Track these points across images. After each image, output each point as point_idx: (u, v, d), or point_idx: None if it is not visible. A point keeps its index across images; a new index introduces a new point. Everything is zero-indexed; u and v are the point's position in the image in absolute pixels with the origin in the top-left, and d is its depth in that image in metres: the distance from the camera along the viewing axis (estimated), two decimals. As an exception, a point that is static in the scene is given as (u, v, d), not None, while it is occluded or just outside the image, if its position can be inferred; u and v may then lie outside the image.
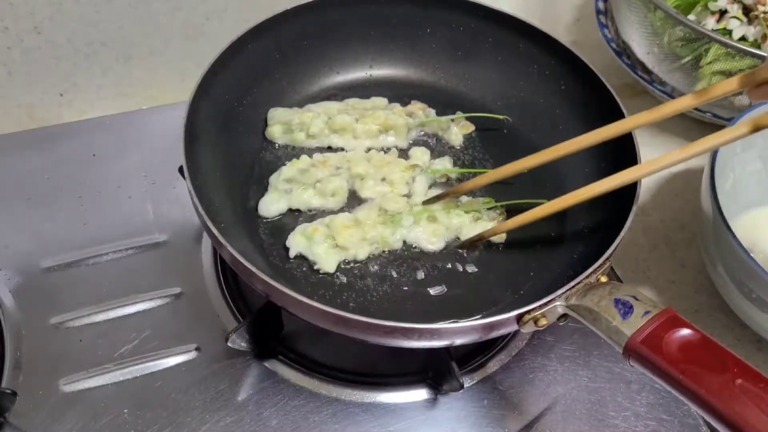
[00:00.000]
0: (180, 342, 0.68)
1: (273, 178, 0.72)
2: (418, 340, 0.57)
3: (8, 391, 0.62)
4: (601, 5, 0.98)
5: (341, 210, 0.71)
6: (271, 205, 0.70)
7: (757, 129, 0.58)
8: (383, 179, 0.73)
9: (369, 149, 0.76)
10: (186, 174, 0.62)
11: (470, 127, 0.79)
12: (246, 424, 0.64)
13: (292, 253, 0.66)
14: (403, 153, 0.76)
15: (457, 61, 0.82)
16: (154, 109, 0.89)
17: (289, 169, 0.72)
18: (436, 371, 0.67)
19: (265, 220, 0.70)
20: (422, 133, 0.78)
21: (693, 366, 0.49)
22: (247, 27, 0.73)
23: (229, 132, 0.72)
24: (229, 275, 0.73)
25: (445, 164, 0.75)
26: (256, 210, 0.70)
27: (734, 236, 0.64)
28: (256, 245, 0.67)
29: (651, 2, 0.82)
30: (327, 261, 0.65)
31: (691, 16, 0.88)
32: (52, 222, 0.77)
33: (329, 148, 0.76)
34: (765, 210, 0.79)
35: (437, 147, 0.78)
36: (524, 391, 0.68)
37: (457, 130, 0.78)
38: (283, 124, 0.75)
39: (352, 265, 0.67)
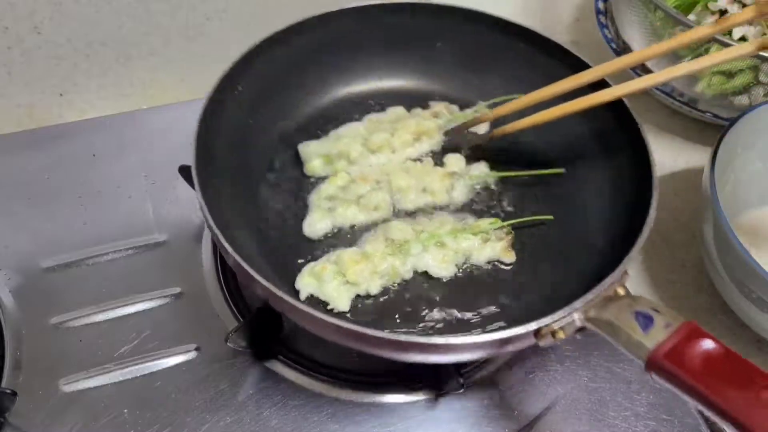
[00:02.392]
0: (180, 342, 0.68)
1: (314, 197, 0.71)
2: (430, 354, 0.56)
3: (8, 391, 0.62)
4: (601, 5, 0.98)
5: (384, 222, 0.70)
6: (316, 225, 0.69)
7: (763, 47, 0.60)
8: (424, 189, 0.72)
9: (406, 159, 0.75)
10: (196, 184, 0.61)
11: (492, 115, 0.78)
12: (246, 424, 0.64)
13: (302, 295, 0.64)
14: (436, 155, 0.76)
15: (468, 73, 0.81)
16: (154, 109, 0.89)
17: (329, 187, 0.71)
18: (436, 371, 0.67)
19: (265, 216, 0.70)
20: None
21: (717, 380, 0.48)
22: (258, 35, 0.72)
23: (240, 145, 0.71)
24: (229, 275, 0.73)
25: (481, 169, 0.75)
26: (260, 208, 0.70)
27: (734, 236, 0.64)
28: (262, 251, 0.67)
29: (651, 2, 0.82)
30: (339, 299, 0.63)
31: (691, 16, 0.88)
32: (52, 222, 0.77)
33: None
34: (765, 210, 0.79)
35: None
36: (524, 391, 0.68)
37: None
38: (322, 156, 0.73)
39: (366, 302, 0.65)
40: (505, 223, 0.70)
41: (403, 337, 0.54)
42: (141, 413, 0.64)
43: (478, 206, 0.73)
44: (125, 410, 0.64)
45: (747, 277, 0.65)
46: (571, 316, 0.56)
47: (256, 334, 0.66)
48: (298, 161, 0.75)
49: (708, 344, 0.50)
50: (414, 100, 0.80)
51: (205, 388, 0.66)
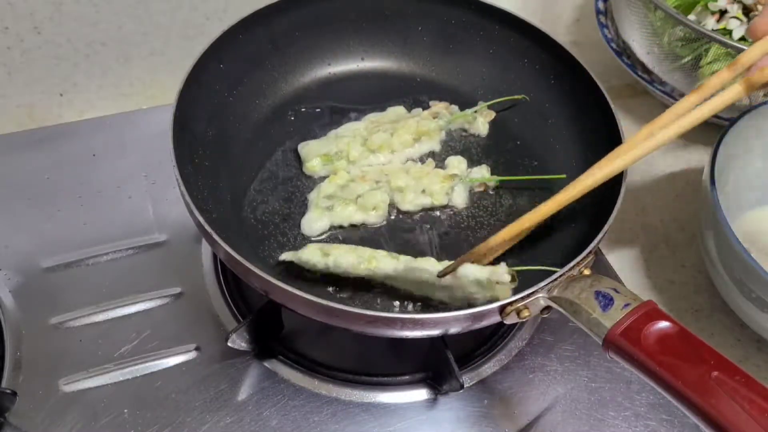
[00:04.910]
0: (180, 342, 0.68)
1: (313, 195, 0.71)
2: (400, 330, 0.56)
3: (8, 391, 0.62)
4: (601, 5, 0.98)
5: (382, 224, 0.71)
6: (313, 224, 0.69)
7: (752, 88, 0.57)
8: (423, 191, 0.72)
9: (407, 160, 0.75)
10: (174, 163, 0.62)
11: (492, 114, 0.79)
12: (246, 424, 0.64)
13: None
14: (437, 155, 0.77)
15: (448, 53, 0.82)
16: (154, 109, 0.89)
17: (328, 186, 0.71)
18: (436, 371, 0.67)
19: (248, 213, 0.70)
20: (450, 130, 0.79)
21: (670, 358, 0.49)
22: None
23: (219, 122, 0.72)
24: (229, 275, 0.73)
25: (482, 173, 0.75)
26: (247, 207, 0.70)
27: (734, 236, 0.64)
28: (248, 241, 0.68)
29: (651, 2, 0.82)
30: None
31: (691, 16, 0.88)
32: (52, 222, 0.77)
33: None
34: (765, 210, 0.79)
35: (462, 139, 0.79)
36: (524, 391, 0.68)
37: (482, 120, 0.79)
38: (321, 156, 0.73)
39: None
40: (512, 269, 0.63)
41: (370, 312, 0.54)
42: (141, 413, 0.64)
43: (477, 211, 0.73)
44: (125, 410, 0.64)
45: (747, 277, 0.65)
46: (536, 296, 0.56)
47: (256, 334, 0.66)
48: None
49: (665, 324, 0.50)
50: (395, 81, 0.82)
51: (205, 388, 0.66)
